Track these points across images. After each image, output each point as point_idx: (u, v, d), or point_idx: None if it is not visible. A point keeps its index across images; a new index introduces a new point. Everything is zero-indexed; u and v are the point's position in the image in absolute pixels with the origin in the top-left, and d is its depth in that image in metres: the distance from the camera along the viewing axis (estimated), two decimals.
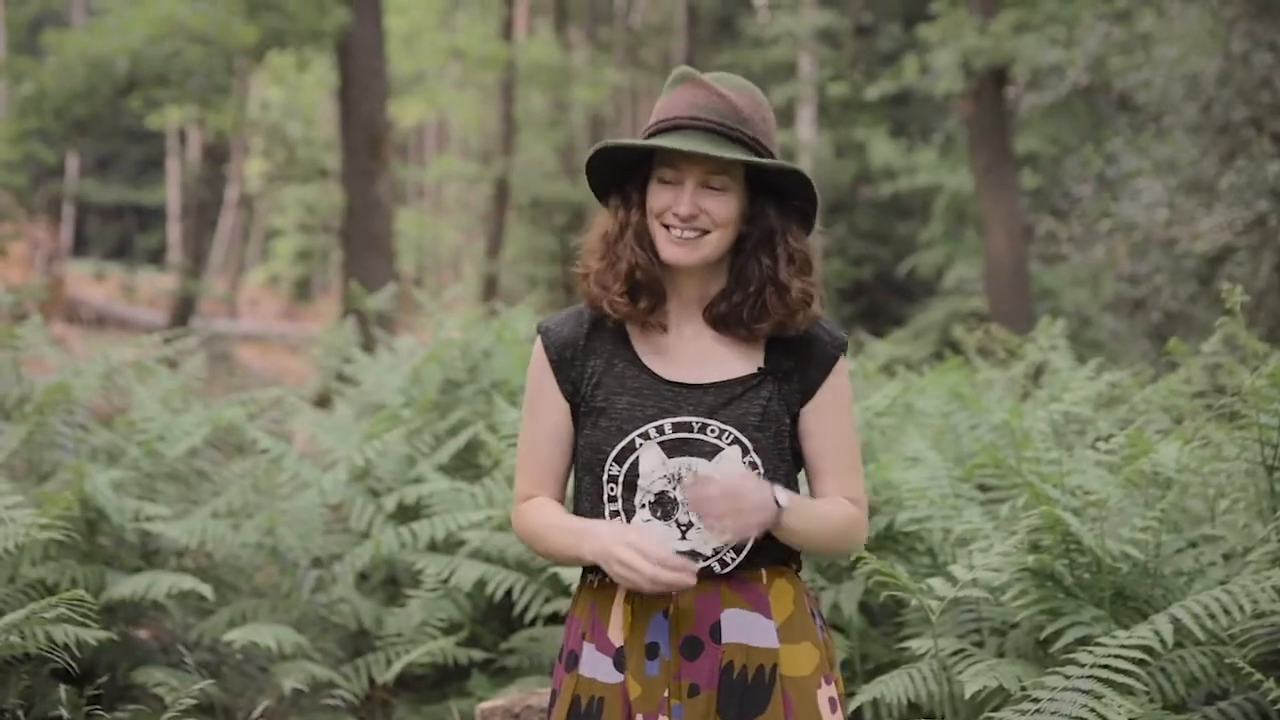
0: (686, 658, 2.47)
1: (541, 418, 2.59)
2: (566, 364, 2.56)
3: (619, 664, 2.50)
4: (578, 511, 2.57)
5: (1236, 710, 3.50)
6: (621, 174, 2.54)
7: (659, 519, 2.48)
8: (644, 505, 2.49)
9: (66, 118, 15.03)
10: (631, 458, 2.49)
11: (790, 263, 2.48)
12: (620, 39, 28.58)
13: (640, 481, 2.48)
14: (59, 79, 14.65)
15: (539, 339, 2.60)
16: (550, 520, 2.54)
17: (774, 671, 2.48)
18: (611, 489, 2.50)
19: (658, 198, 2.48)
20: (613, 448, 2.49)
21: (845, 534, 2.52)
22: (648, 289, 2.51)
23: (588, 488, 2.53)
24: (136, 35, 14.57)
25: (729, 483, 2.32)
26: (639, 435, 2.48)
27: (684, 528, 2.48)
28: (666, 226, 2.47)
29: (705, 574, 2.48)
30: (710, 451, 2.47)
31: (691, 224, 2.45)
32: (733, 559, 2.50)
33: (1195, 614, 3.34)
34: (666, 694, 2.47)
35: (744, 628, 2.49)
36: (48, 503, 4.18)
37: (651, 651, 2.48)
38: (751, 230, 2.49)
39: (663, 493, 2.48)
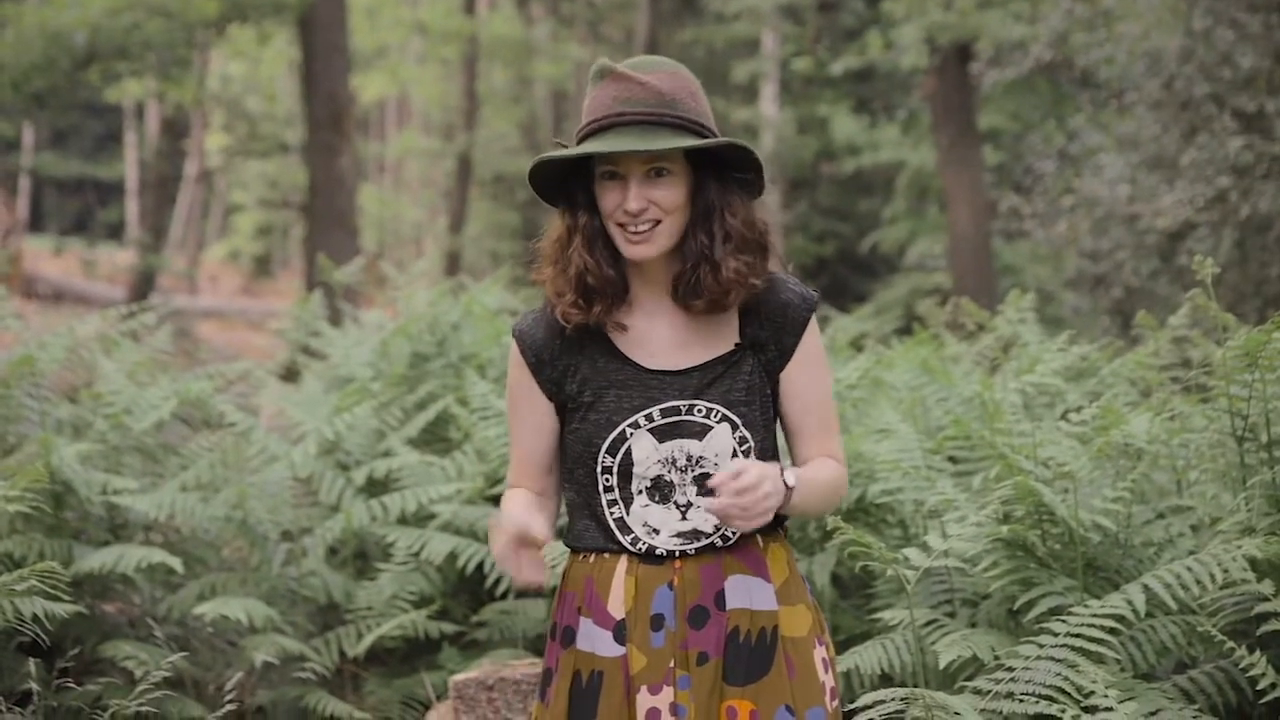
0: (693, 627, 2.48)
1: (523, 416, 2.60)
2: (545, 365, 2.56)
3: (619, 637, 2.51)
4: (570, 503, 2.59)
5: (1207, 678, 3.54)
6: (565, 179, 2.53)
7: (657, 503, 2.50)
8: (641, 491, 2.50)
9: (24, 91, 14.85)
10: (624, 447, 2.49)
11: (726, 240, 2.47)
12: (583, 14, 28.49)
13: (635, 469, 2.49)
14: (16, 51, 14.47)
15: (514, 342, 2.60)
16: (506, 506, 2.55)
17: (775, 632, 2.50)
18: (607, 479, 2.51)
19: (606, 198, 2.47)
20: (604, 439, 2.50)
21: (835, 494, 2.56)
22: (600, 293, 2.51)
23: (581, 479, 2.54)
24: (95, 8, 14.41)
25: (744, 481, 2.31)
26: (629, 425, 2.49)
27: (683, 509, 2.49)
28: (620, 225, 2.46)
29: (707, 548, 2.50)
30: (700, 431, 2.48)
31: (642, 218, 2.44)
32: (733, 534, 2.51)
33: (1167, 583, 3.37)
34: (672, 664, 2.48)
35: (746, 592, 2.50)
36: (15, 475, 4.14)
37: (656, 623, 2.49)
38: (695, 207, 2.49)
39: (658, 477, 2.49)
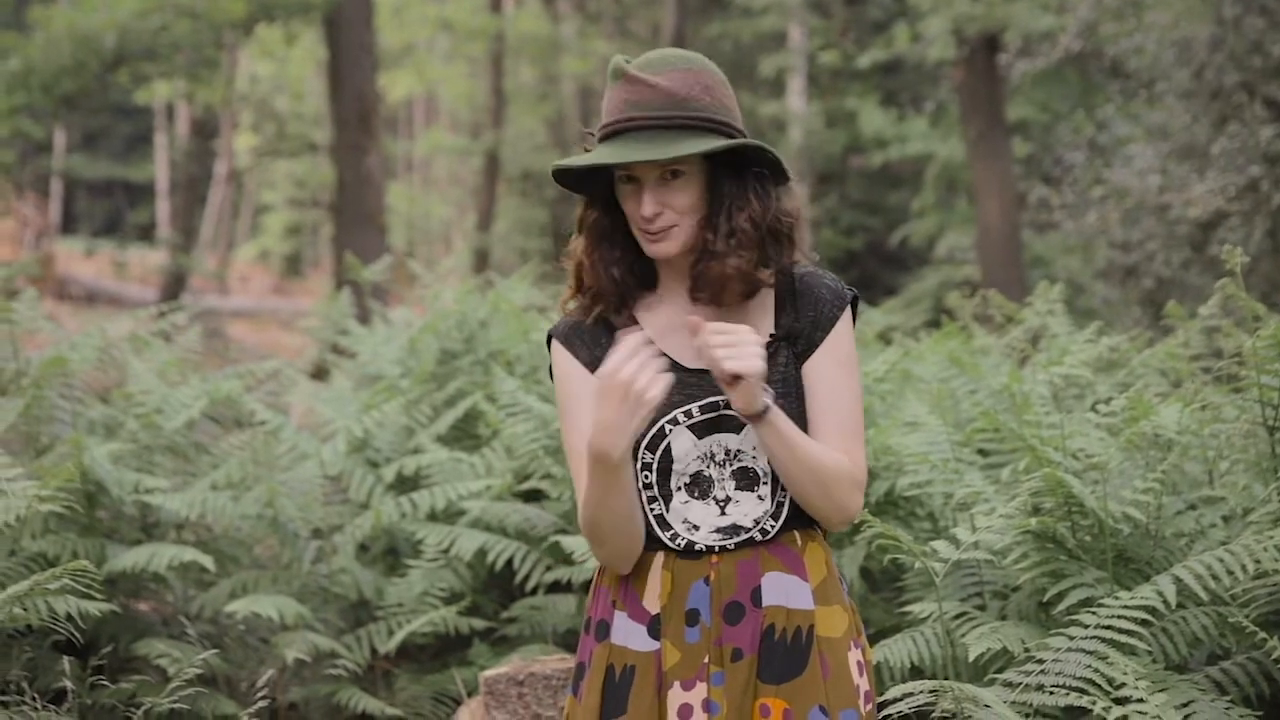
0: (728, 623, 2.46)
1: (585, 422, 2.49)
2: (599, 362, 2.51)
3: (654, 631, 2.49)
4: None
5: (1239, 669, 3.51)
6: (590, 176, 2.52)
7: (696, 499, 2.48)
8: (680, 488, 2.48)
9: (54, 93, 14.95)
10: (663, 444, 2.48)
11: (730, 235, 2.45)
12: (609, 9, 28.48)
13: (675, 465, 2.47)
14: (46, 54, 14.57)
15: (557, 346, 2.58)
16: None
17: (811, 632, 2.48)
18: (646, 476, 2.49)
19: (626, 203, 2.48)
20: (644, 437, 2.48)
21: (833, 478, 2.44)
22: (638, 280, 2.53)
23: None
24: (124, 10, 14.49)
25: (725, 326, 2.34)
26: (668, 422, 2.47)
27: (722, 503, 2.48)
28: (640, 228, 2.47)
29: (745, 543, 2.48)
30: (738, 425, 2.46)
31: (657, 222, 2.44)
32: (772, 527, 2.49)
33: (1198, 574, 3.35)
34: (706, 660, 2.46)
35: (783, 590, 2.48)
36: (48, 475, 4.17)
37: (691, 618, 2.47)
38: (711, 203, 2.48)
39: (697, 473, 2.47)
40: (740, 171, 2.48)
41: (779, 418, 2.39)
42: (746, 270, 2.46)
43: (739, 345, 2.31)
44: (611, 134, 2.44)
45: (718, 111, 2.44)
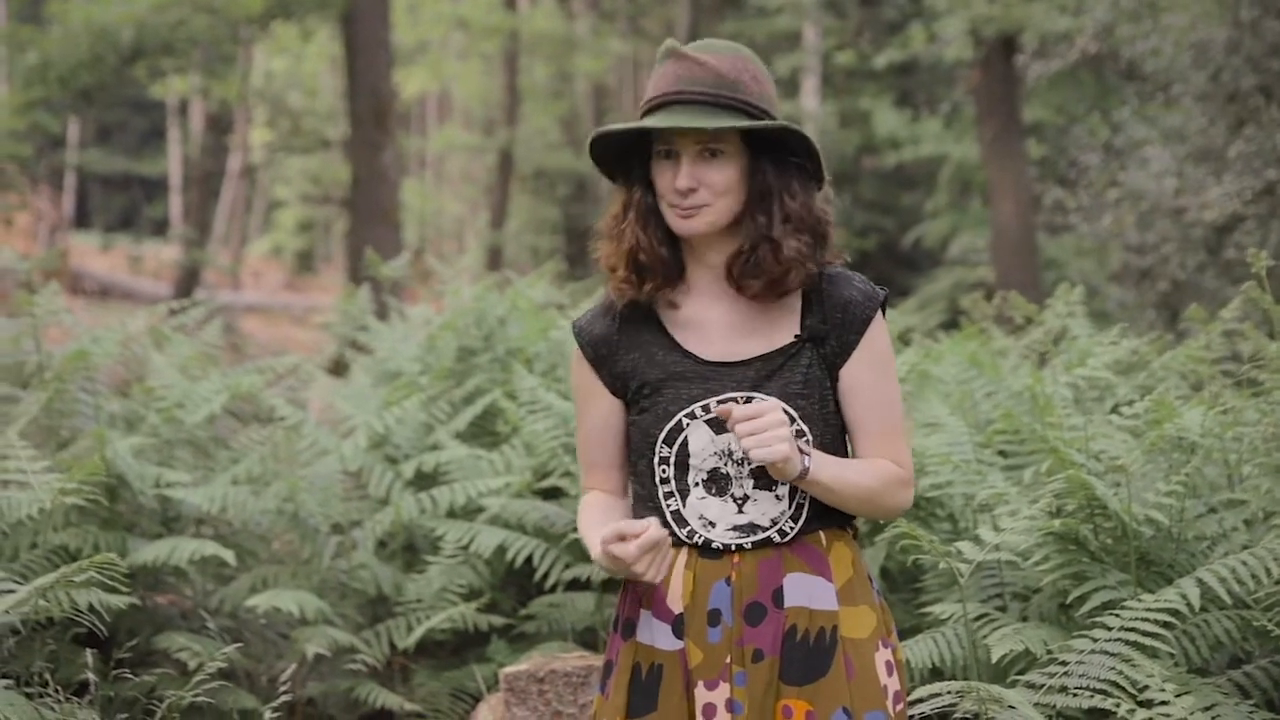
0: (749, 623, 2.47)
1: (590, 414, 2.62)
2: (605, 360, 2.57)
3: (678, 631, 2.50)
4: (635, 496, 2.60)
5: (1262, 673, 3.51)
6: (624, 154, 2.54)
7: (714, 496, 2.49)
8: (697, 484, 2.49)
9: (71, 87, 14.98)
10: (680, 438, 2.49)
11: (786, 220, 2.46)
12: (623, 8, 28.46)
13: (691, 460, 2.49)
14: (63, 48, 14.60)
15: (574, 338, 2.61)
16: (585, 525, 2.58)
17: (834, 633, 2.48)
18: (664, 470, 2.51)
19: (661, 176, 2.48)
20: (661, 430, 2.50)
21: (881, 492, 2.49)
22: (652, 270, 2.51)
23: (642, 471, 2.55)
24: (141, 4, 14.51)
25: (753, 409, 2.36)
26: (685, 416, 2.49)
27: (739, 502, 2.48)
28: (671, 204, 2.47)
29: (765, 543, 2.49)
30: None
31: (691, 197, 2.44)
32: (791, 528, 2.49)
33: (1221, 577, 3.35)
34: (729, 660, 2.47)
35: (805, 591, 2.48)
36: (74, 469, 4.19)
37: (713, 618, 2.48)
38: (751, 190, 2.48)
39: (715, 470, 2.48)
40: (782, 161, 2.48)
41: (819, 469, 2.41)
42: (807, 254, 2.47)
43: (764, 431, 2.33)
44: (657, 106, 2.45)
45: (762, 100, 2.46)
